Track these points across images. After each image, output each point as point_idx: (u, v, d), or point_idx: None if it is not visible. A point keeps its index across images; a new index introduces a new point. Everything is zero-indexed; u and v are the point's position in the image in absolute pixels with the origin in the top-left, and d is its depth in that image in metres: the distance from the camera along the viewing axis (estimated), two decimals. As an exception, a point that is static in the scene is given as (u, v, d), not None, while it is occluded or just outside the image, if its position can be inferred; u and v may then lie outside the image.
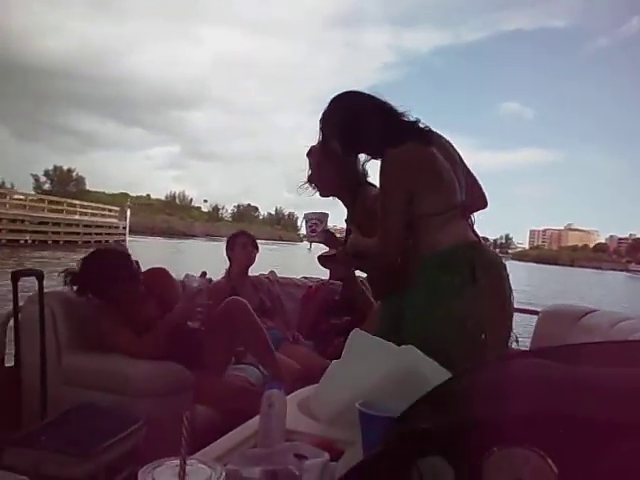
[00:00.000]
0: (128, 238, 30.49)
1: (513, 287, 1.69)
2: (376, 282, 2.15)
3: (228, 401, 2.09)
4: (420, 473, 0.60)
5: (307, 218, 2.10)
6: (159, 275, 2.40)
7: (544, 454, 0.59)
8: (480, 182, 1.83)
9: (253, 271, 3.21)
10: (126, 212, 32.44)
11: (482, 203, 1.84)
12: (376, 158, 1.76)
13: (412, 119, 1.71)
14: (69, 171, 71.01)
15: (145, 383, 2.09)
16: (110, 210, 32.29)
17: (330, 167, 2.01)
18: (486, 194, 1.85)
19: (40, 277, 2.10)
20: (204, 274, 2.29)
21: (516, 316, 1.77)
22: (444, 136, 1.76)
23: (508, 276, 1.70)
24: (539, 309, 2.64)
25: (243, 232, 3.14)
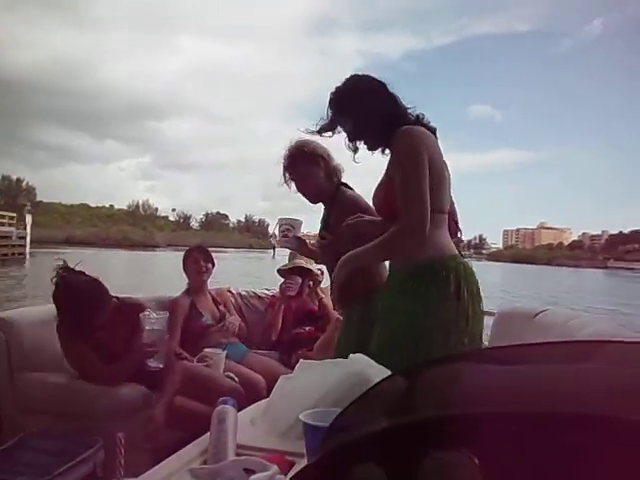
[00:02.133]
0: (29, 250, 25.45)
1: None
2: (341, 288, 2.12)
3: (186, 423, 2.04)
4: (354, 480, 0.60)
5: (280, 223, 2.10)
6: (133, 308, 2.30)
7: (473, 457, 0.60)
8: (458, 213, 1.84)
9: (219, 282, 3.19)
10: (25, 218, 27.26)
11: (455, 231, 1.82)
12: (375, 148, 1.71)
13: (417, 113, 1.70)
14: (18, 181, 67.60)
15: (106, 406, 2.05)
16: (3, 217, 27.15)
17: (317, 172, 2.07)
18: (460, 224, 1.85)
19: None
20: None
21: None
22: None
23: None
24: (495, 310, 2.70)
25: (196, 247, 3.10)
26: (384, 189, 1.68)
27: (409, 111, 1.69)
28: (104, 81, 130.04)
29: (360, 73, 1.75)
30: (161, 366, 2.03)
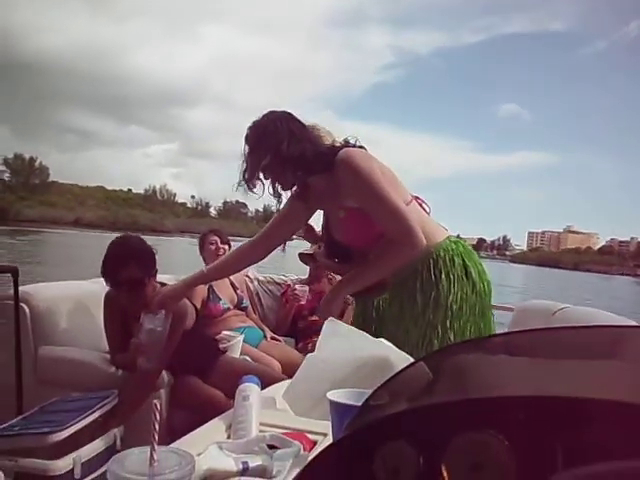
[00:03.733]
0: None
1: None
2: None
3: (203, 408, 2.04)
4: (384, 457, 0.61)
5: None
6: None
7: (504, 439, 0.61)
8: None
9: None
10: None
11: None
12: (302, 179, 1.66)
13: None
14: (32, 160, 65.52)
15: (123, 382, 2.08)
16: None
17: None
18: None
19: (15, 273, 2.09)
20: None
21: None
22: None
23: None
24: (513, 306, 2.69)
25: (212, 230, 3.12)
26: (352, 222, 1.65)
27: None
28: (130, 67, 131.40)
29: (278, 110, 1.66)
30: (151, 367, 2.00)
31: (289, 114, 1.64)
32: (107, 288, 2.18)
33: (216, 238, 3.01)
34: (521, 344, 0.69)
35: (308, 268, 3.26)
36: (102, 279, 2.17)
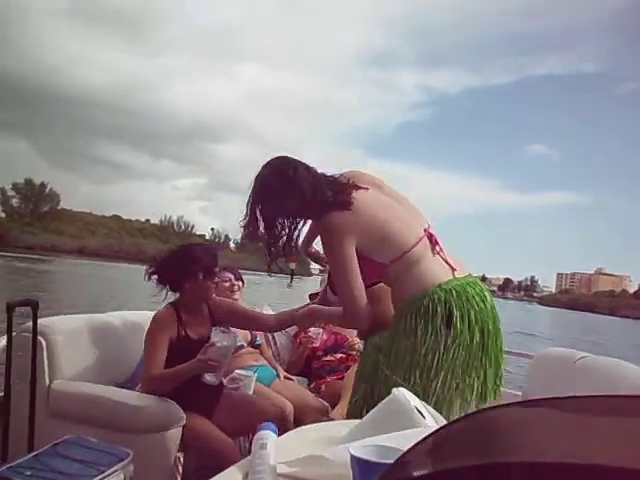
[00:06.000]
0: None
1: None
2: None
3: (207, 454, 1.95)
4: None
5: None
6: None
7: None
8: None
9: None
10: None
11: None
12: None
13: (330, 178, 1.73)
14: (42, 186, 64.33)
15: (137, 420, 2.05)
16: None
17: None
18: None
19: (35, 306, 2.10)
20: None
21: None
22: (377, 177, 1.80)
23: (494, 308, 1.65)
24: (532, 353, 2.64)
25: (225, 268, 3.10)
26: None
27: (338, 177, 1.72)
28: (166, 102, 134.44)
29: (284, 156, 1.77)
30: (217, 382, 2.03)
31: (290, 160, 1.75)
32: (145, 313, 2.29)
33: (230, 275, 2.99)
34: (564, 406, 0.67)
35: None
36: (114, 312, 2.19)
